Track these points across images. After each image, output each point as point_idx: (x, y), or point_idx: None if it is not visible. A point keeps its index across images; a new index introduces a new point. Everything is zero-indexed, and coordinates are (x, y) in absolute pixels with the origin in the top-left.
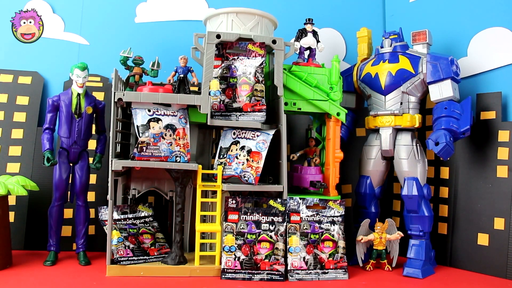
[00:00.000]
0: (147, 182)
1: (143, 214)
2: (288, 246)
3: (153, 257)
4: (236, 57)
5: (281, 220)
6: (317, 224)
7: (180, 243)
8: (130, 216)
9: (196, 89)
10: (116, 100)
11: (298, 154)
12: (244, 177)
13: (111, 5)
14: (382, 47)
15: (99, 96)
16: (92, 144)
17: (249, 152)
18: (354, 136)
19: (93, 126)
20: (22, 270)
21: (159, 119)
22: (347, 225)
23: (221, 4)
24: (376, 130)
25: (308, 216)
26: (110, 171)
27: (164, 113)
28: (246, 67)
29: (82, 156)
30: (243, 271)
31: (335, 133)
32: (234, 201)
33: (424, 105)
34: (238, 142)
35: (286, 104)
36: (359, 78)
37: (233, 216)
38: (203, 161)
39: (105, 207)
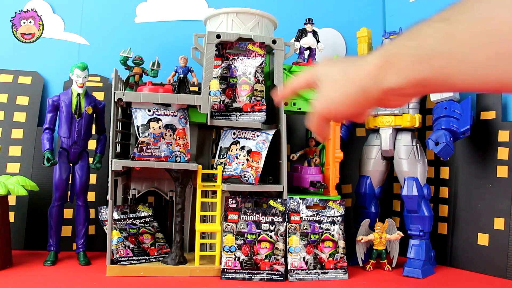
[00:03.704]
0: (147, 182)
1: (143, 214)
2: (288, 246)
3: (153, 257)
4: (236, 57)
5: (281, 220)
6: (317, 224)
7: (180, 243)
8: (130, 216)
9: (196, 89)
10: (116, 100)
11: (298, 154)
12: (244, 177)
13: (111, 5)
14: None
15: (99, 96)
16: (92, 144)
17: (249, 152)
18: (354, 136)
19: (93, 126)
20: (22, 270)
21: (159, 119)
22: (347, 225)
23: (221, 4)
24: (376, 130)
25: (308, 216)
26: (110, 171)
27: (164, 113)
28: (246, 67)
29: (82, 156)
30: (243, 271)
31: (335, 133)
32: (234, 201)
33: (424, 105)
34: (238, 142)
35: (286, 104)
36: None
37: (233, 216)
38: (203, 161)
39: (105, 207)
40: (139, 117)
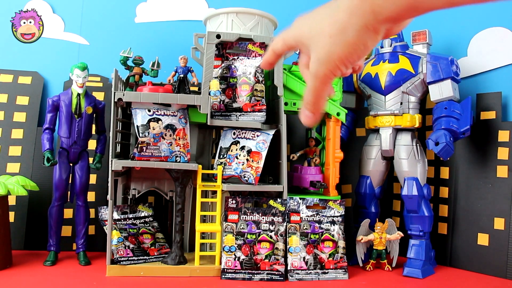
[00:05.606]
0: (147, 182)
1: (143, 214)
2: (288, 246)
3: (153, 257)
4: (236, 57)
5: (281, 220)
6: (317, 224)
7: (180, 243)
8: (130, 216)
9: (196, 89)
10: (116, 100)
11: (298, 154)
12: (244, 177)
13: (111, 5)
14: (382, 47)
15: (99, 96)
16: (92, 144)
17: (249, 152)
18: (354, 136)
19: (93, 126)
20: (22, 270)
21: (159, 119)
22: (347, 225)
23: (221, 4)
24: (376, 130)
25: (308, 216)
26: (110, 171)
27: (164, 113)
28: (246, 67)
29: (82, 156)
30: (243, 271)
31: (335, 133)
32: (234, 201)
33: (424, 105)
34: (238, 142)
35: (286, 104)
36: (359, 78)
37: (233, 216)
38: (203, 161)
39: (105, 207)
40: (139, 117)
